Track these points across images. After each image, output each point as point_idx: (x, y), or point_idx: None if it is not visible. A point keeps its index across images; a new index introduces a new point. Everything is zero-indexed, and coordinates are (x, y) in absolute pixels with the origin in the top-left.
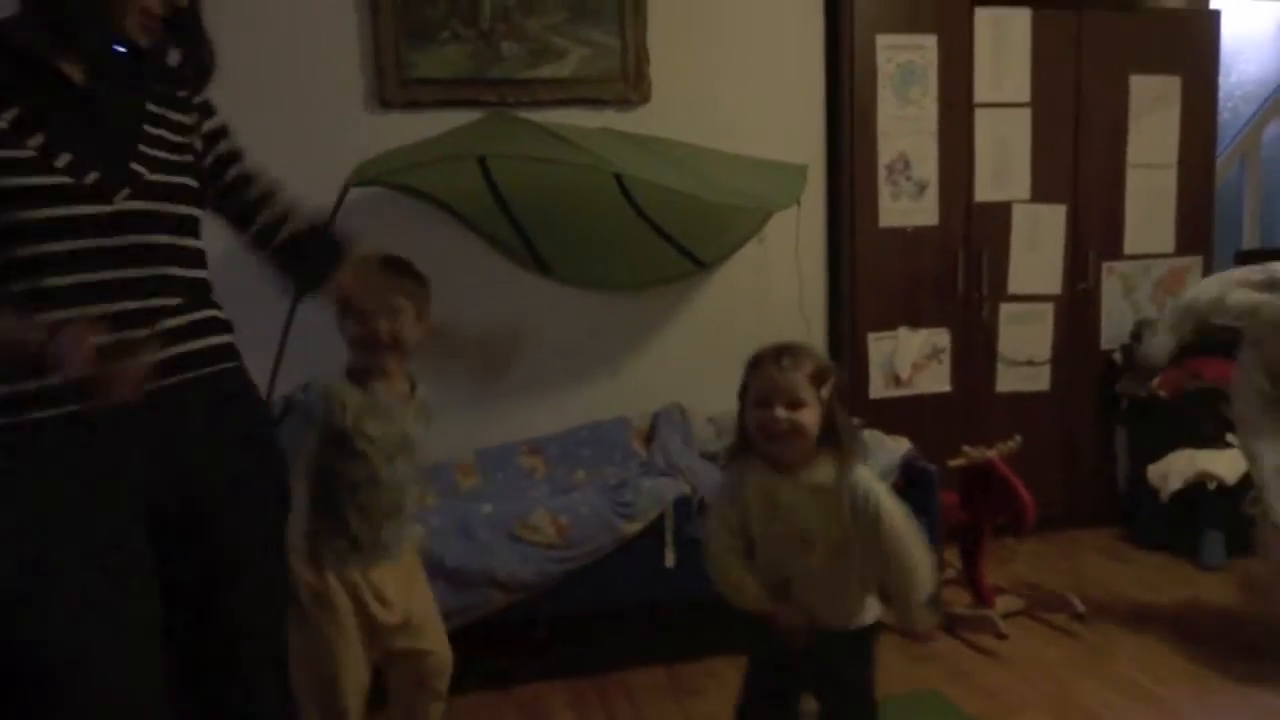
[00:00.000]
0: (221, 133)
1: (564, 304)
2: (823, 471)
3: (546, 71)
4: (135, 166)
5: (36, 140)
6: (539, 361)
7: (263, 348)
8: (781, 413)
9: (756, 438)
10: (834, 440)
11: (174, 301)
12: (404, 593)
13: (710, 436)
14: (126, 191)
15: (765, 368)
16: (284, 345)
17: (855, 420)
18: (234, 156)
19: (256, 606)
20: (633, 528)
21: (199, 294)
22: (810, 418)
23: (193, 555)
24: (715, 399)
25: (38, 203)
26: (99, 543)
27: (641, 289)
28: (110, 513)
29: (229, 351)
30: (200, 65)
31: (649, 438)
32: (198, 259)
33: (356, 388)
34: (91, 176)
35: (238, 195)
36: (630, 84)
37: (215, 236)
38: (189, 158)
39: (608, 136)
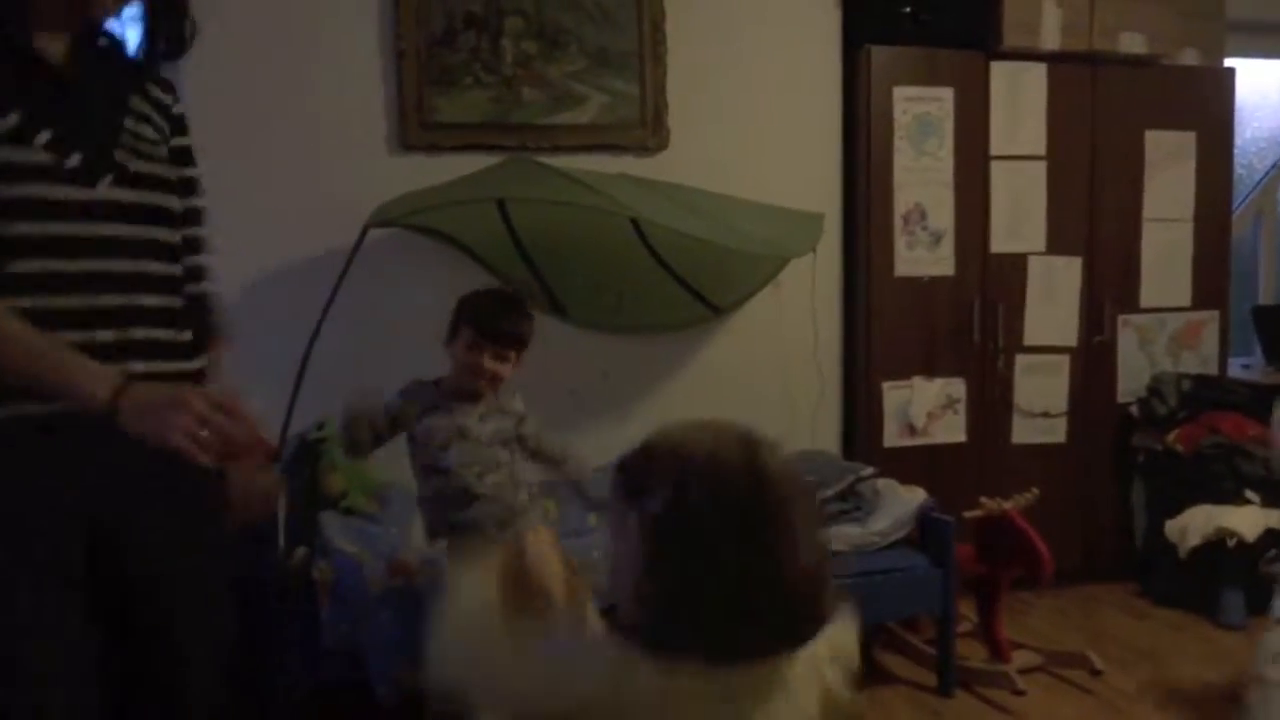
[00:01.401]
0: (186, 153)
1: (578, 346)
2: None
3: (566, 118)
4: (120, 153)
5: (12, 117)
6: (552, 403)
7: (280, 382)
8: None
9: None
10: None
11: (152, 301)
12: None
13: None
14: (110, 178)
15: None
16: (300, 381)
17: (868, 469)
18: (189, 185)
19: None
20: None
21: (173, 295)
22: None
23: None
24: None
25: (13, 179)
26: (41, 554)
27: (656, 333)
28: (56, 524)
29: (195, 376)
30: (179, 36)
31: None
32: (173, 256)
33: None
34: (74, 159)
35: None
36: (649, 131)
37: (237, 266)
38: (164, 153)
39: (626, 182)
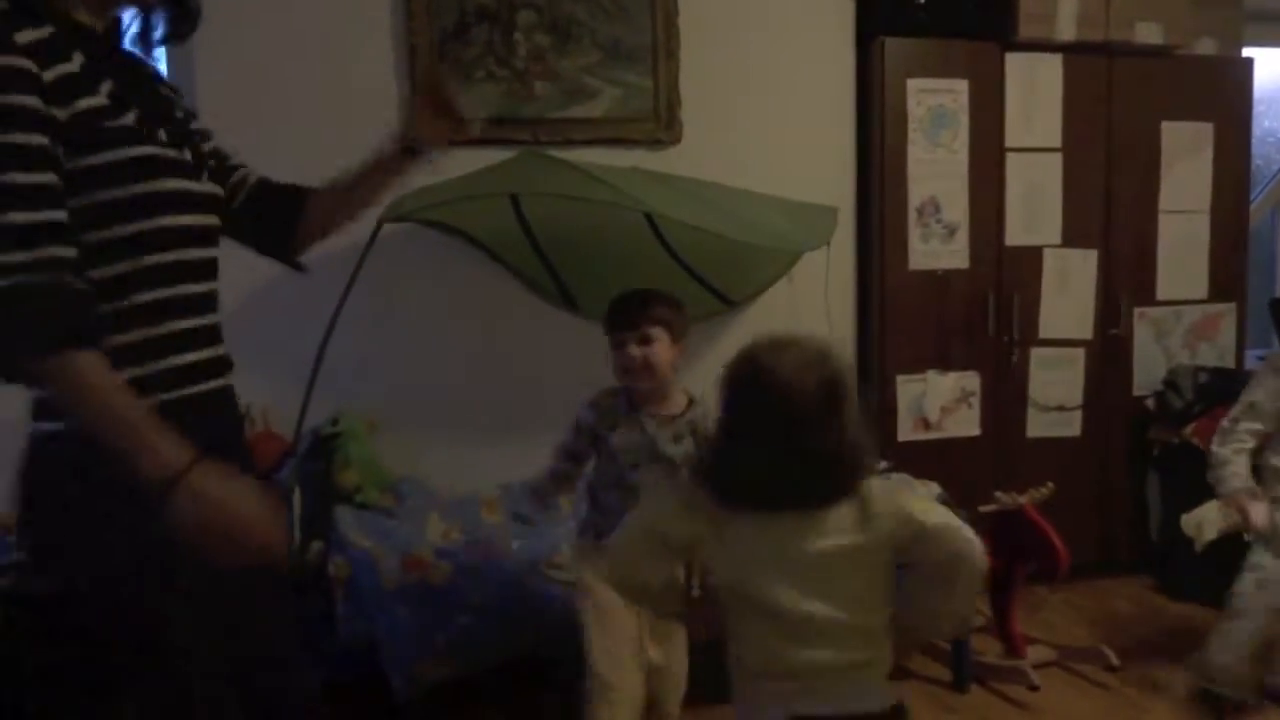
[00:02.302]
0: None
1: (592, 340)
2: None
3: (579, 111)
4: (199, 145)
5: (132, 115)
6: (566, 398)
7: (294, 378)
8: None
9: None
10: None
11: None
12: None
13: None
14: (205, 172)
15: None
16: (315, 376)
17: (882, 464)
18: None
19: None
20: None
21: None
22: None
23: None
24: None
25: (158, 174)
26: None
27: None
28: None
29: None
30: (190, 12)
31: None
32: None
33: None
34: (185, 153)
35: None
36: (662, 125)
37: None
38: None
39: (639, 175)
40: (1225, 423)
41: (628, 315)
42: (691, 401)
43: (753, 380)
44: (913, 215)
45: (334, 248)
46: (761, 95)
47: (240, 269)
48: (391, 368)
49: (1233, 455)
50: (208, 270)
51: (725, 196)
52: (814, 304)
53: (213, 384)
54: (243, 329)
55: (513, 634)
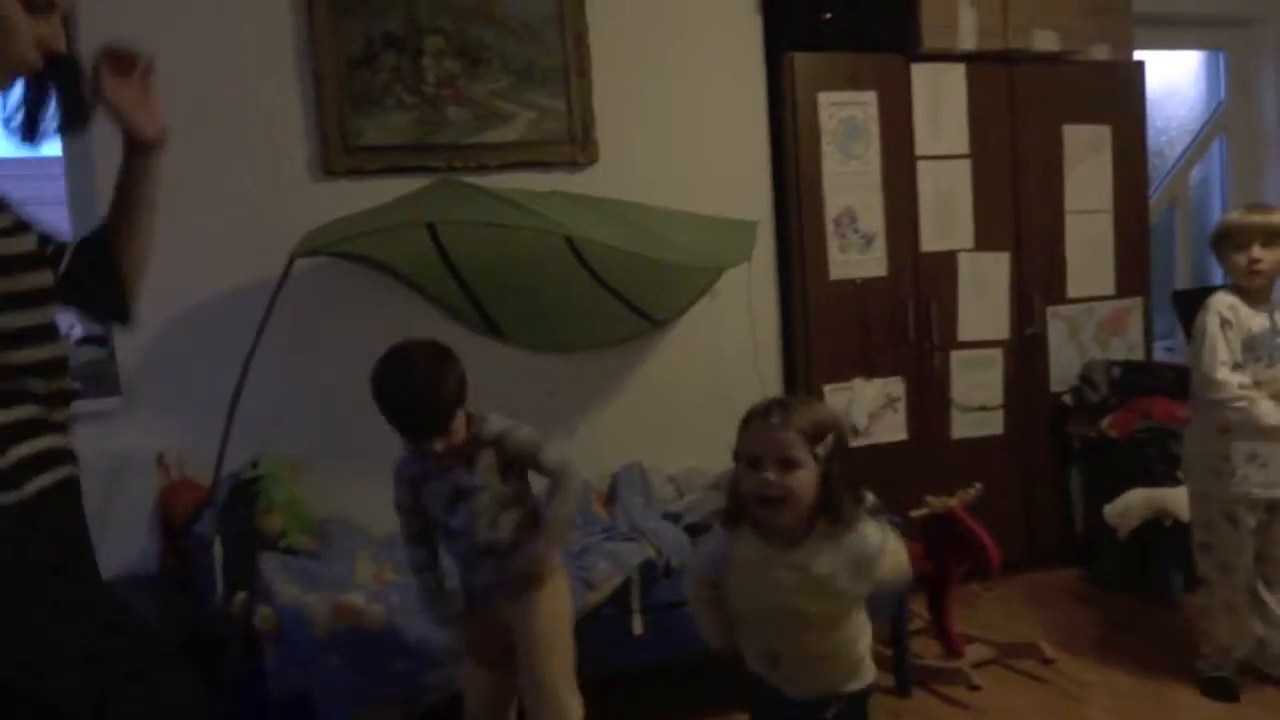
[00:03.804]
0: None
1: (518, 367)
2: (822, 555)
3: (493, 136)
4: None
5: None
6: None
7: (212, 420)
8: (772, 474)
9: (749, 502)
10: (832, 507)
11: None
12: None
13: (671, 495)
14: None
15: (754, 424)
16: (232, 417)
17: None
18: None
19: None
20: (597, 596)
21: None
22: (804, 481)
23: None
24: (674, 457)
25: None
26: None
27: (595, 349)
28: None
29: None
30: (82, 108)
31: (608, 499)
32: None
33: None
34: None
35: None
36: (578, 146)
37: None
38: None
39: (558, 199)
40: (1206, 369)
41: (422, 431)
42: (470, 419)
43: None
44: (830, 226)
45: (247, 285)
46: (676, 113)
47: (150, 306)
48: (311, 406)
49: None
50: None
51: (645, 215)
52: (738, 318)
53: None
54: (152, 372)
55: (448, 673)
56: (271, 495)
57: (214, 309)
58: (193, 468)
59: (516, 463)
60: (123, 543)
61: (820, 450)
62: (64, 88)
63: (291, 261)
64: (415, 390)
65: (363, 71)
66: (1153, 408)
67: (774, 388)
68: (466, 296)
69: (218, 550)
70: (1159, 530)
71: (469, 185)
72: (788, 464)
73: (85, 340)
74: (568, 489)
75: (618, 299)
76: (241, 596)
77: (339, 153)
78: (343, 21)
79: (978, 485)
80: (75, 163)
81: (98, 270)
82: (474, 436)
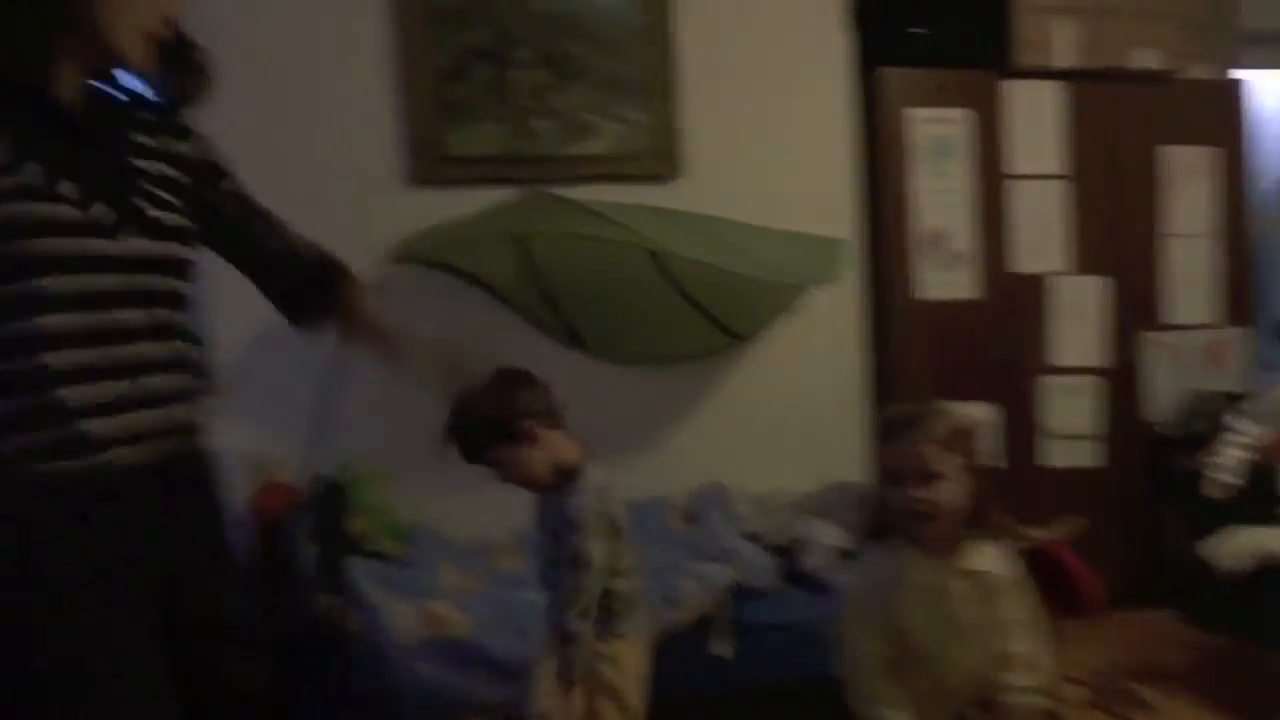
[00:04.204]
0: (217, 167)
1: (600, 380)
2: (983, 554)
3: (579, 148)
4: (137, 202)
5: (33, 169)
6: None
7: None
8: (917, 491)
9: (897, 518)
10: (979, 513)
11: (161, 350)
12: None
13: (752, 515)
14: (133, 228)
15: (891, 440)
16: (323, 423)
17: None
18: (236, 195)
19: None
20: (682, 615)
21: (183, 341)
22: (949, 493)
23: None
24: (755, 476)
25: (39, 233)
26: (124, 599)
27: (678, 364)
28: (136, 571)
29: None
30: (201, 77)
31: (689, 518)
32: (185, 304)
33: None
34: (97, 209)
35: (240, 231)
36: (662, 159)
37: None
38: (184, 194)
39: (644, 212)
40: None
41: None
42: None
43: None
44: (918, 246)
45: None
46: (762, 127)
47: (241, 315)
48: (400, 412)
49: None
50: (141, 332)
51: (730, 230)
52: (823, 337)
53: (147, 447)
54: (246, 375)
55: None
56: (358, 500)
57: None
58: (284, 469)
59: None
60: None
61: (961, 460)
62: (177, 60)
63: (383, 269)
64: (451, 416)
65: (453, 83)
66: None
67: (857, 409)
68: (551, 309)
69: (308, 552)
70: (1262, 572)
71: (556, 197)
72: (931, 478)
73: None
74: (578, 582)
75: (702, 314)
76: (330, 598)
77: (429, 163)
78: (436, 33)
79: (1077, 518)
80: None
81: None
82: (564, 494)
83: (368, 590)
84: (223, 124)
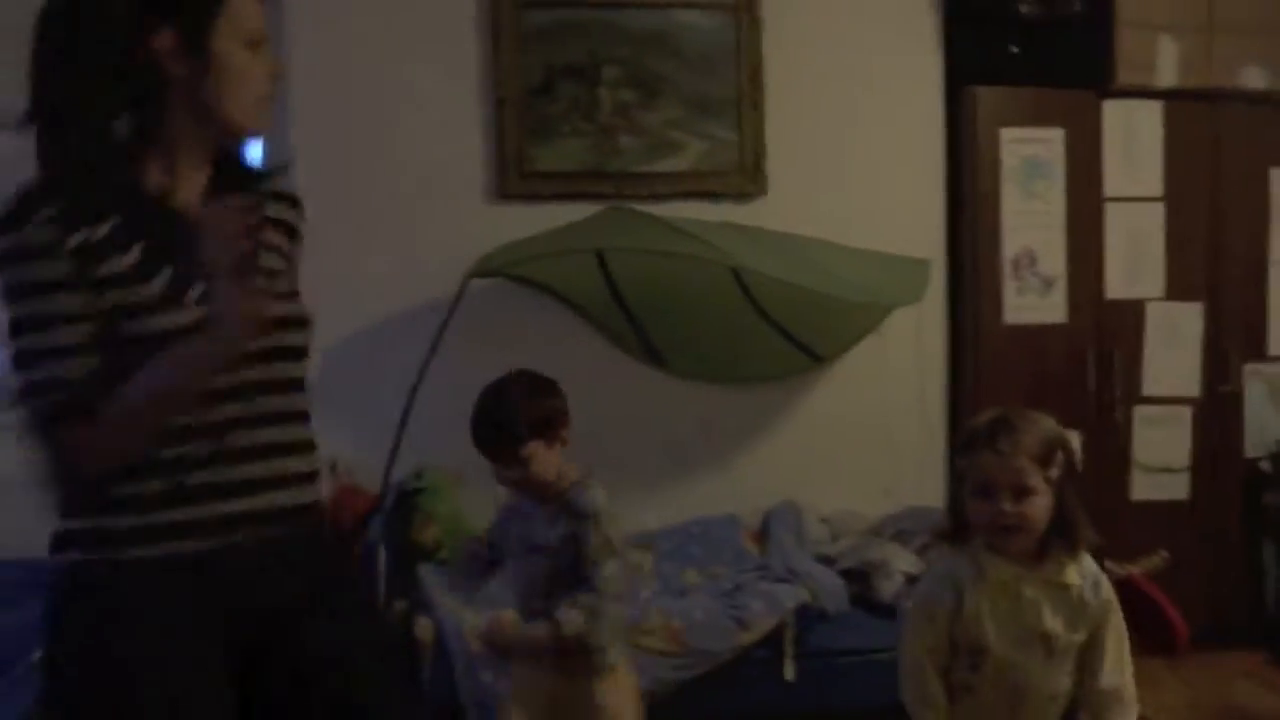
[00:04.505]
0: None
1: (677, 396)
2: (1067, 569)
3: (664, 165)
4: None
5: (134, 253)
6: (648, 454)
7: (382, 434)
8: (1008, 505)
9: (982, 531)
10: (1067, 529)
11: (281, 435)
12: None
13: (824, 538)
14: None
15: (981, 451)
16: (402, 432)
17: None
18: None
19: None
20: (750, 636)
21: (299, 425)
22: (1040, 507)
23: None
24: (829, 498)
25: (138, 316)
26: (198, 688)
27: (756, 383)
28: (207, 657)
29: (320, 508)
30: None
31: (760, 537)
32: (301, 388)
33: None
34: (198, 292)
35: None
36: (748, 177)
37: (339, 319)
38: (287, 284)
39: (726, 230)
40: None
41: (491, 449)
42: (568, 473)
43: None
44: (1007, 268)
45: (420, 304)
46: (848, 145)
47: (328, 321)
48: None
49: None
50: (266, 419)
51: (813, 250)
52: (905, 359)
53: (255, 531)
54: (328, 381)
55: None
56: (431, 507)
57: (391, 326)
58: (361, 475)
59: (577, 547)
60: None
61: (1052, 473)
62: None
63: (466, 281)
64: (486, 404)
65: (541, 99)
66: None
67: (940, 433)
68: (631, 324)
69: (382, 558)
70: None
71: (638, 213)
72: (1023, 492)
73: None
74: (598, 610)
75: (781, 333)
76: (401, 605)
77: (514, 178)
78: (526, 51)
79: (1163, 553)
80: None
81: None
82: (565, 496)
83: (438, 598)
84: (312, 138)
